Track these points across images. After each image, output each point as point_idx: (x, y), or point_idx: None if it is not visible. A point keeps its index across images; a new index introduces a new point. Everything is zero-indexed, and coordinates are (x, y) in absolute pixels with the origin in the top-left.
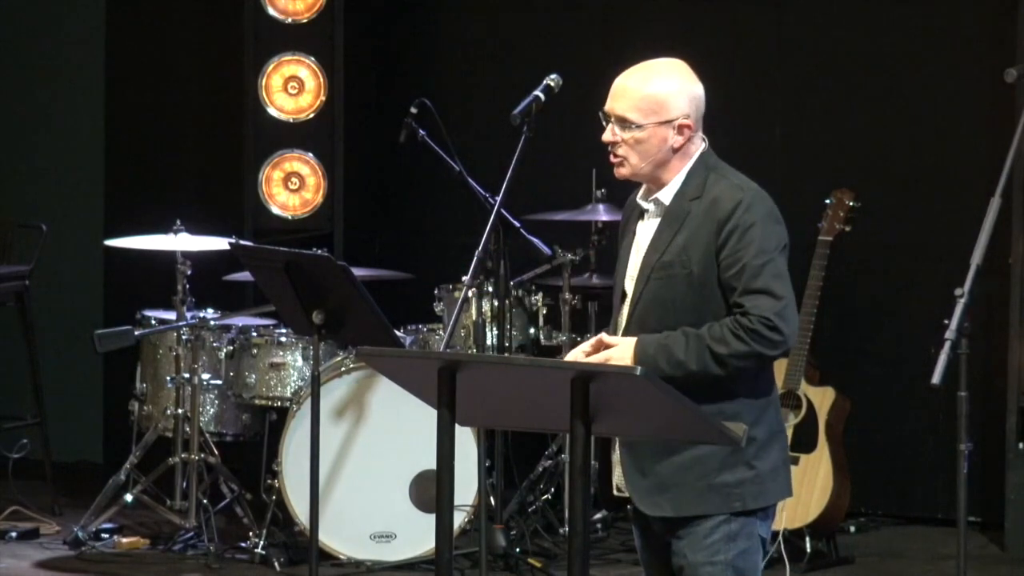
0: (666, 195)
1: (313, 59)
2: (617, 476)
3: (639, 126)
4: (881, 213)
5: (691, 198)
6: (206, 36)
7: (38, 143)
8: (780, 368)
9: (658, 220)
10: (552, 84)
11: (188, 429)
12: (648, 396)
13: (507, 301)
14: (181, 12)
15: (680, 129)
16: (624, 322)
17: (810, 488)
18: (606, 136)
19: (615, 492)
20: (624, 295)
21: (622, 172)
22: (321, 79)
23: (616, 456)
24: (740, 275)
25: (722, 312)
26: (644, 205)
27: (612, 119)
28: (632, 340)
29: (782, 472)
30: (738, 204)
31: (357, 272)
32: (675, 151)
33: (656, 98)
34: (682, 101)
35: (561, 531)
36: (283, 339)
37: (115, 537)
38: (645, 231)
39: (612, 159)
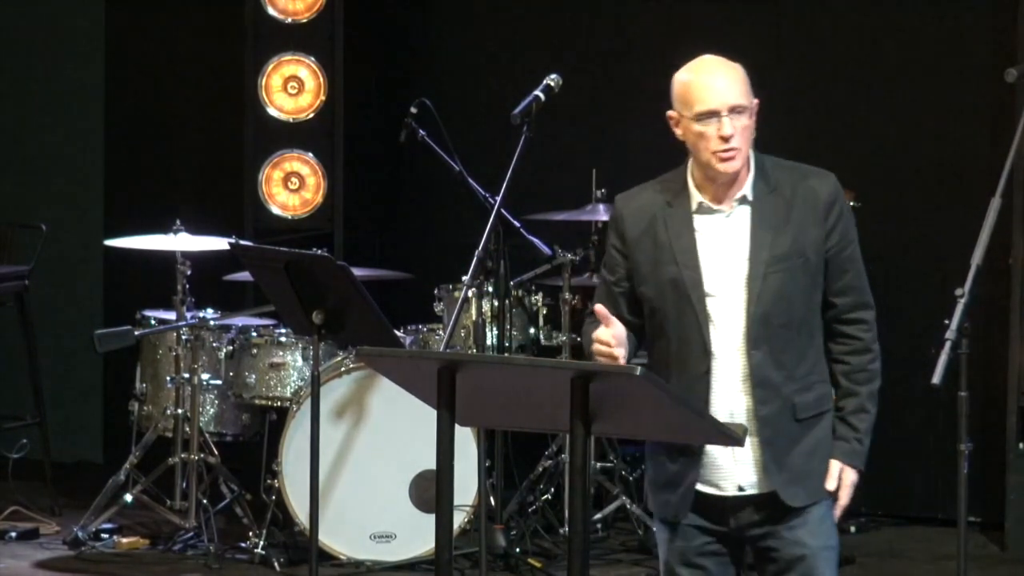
0: (747, 190)
1: (313, 59)
2: (717, 475)
3: (750, 111)
4: (881, 213)
5: (772, 189)
6: (206, 36)
7: (38, 143)
8: None
9: (745, 217)
10: (552, 84)
11: (188, 429)
12: (648, 396)
13: (507, 301)
14: (181, 12)
15: (754, 114)
16: (744, 320)
17: None
18: (727, 130)
19: (702, 489)
20: (703, 295)
21: (735, 165)
22: (321, 79)
23: (709, 459)
24: (852, 260)
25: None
26: (715, 205)
27: (724, 113)
28: (839, 464)
29: None
30: (834, 187)
31: (357, 272)
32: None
33: (748, 83)
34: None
35: (561, 531)
36: (283, 339)
37: (115, 537)
38: (725, 229)
39: (725, 155)
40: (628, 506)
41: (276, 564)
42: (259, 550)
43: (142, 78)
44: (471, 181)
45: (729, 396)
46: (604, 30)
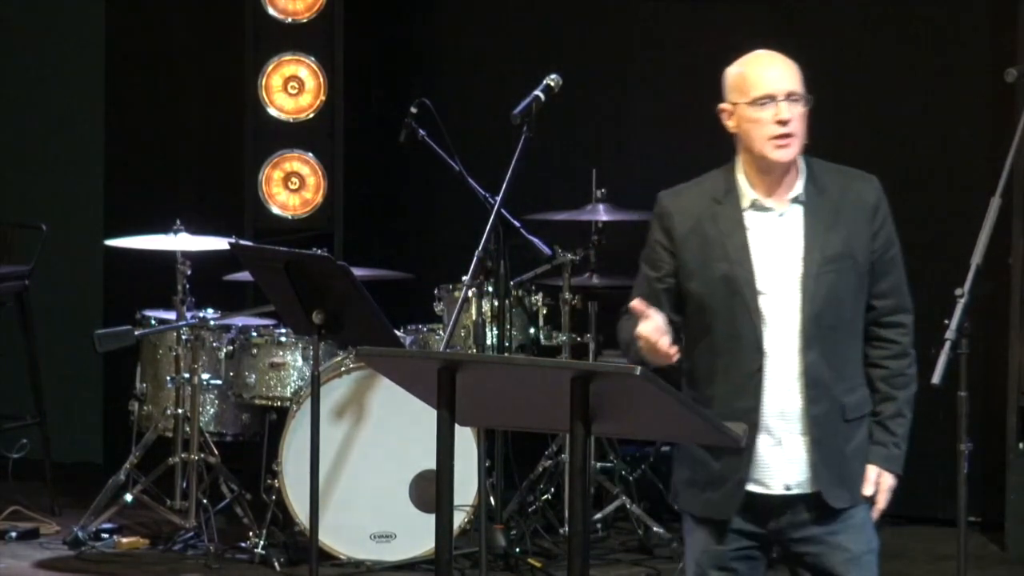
0: (799, 190)
1: (313, 59)
2: (764, 474)
3: (806, 100)
4: None
5: (821, 191)
6: (206, 36)
7: (38, 143)
8: None
9: (797, 216)
10: (552, 84)
11: (188, 429)
12: (648, 396)
13: (507, 301)
14: (181, 12)
15: (808, 105)
16: (799, 319)
17: None
18: (784, 114)
19: (749, 488)
20: (755, 292)
21: (791, 153)
22: (321, 79)
23: (757, 457)
24: (894, 263)
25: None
26: (767, 203)
27: (781, 97)
28: (877, 469)
29: None
30: (879, 189)
31: (357, 272)
32: None
33: (802, 76)
34: None
35: (561, 531)
36: (283, 339)
37: (115, 537)
38: (777, 228)
39: (783, 140)
40: (628, 506)
41: (276, 564)
42: (259, 550)
43: (142, 78)
44: (471, 181)
45: (781, 394)
46: (604, 30)
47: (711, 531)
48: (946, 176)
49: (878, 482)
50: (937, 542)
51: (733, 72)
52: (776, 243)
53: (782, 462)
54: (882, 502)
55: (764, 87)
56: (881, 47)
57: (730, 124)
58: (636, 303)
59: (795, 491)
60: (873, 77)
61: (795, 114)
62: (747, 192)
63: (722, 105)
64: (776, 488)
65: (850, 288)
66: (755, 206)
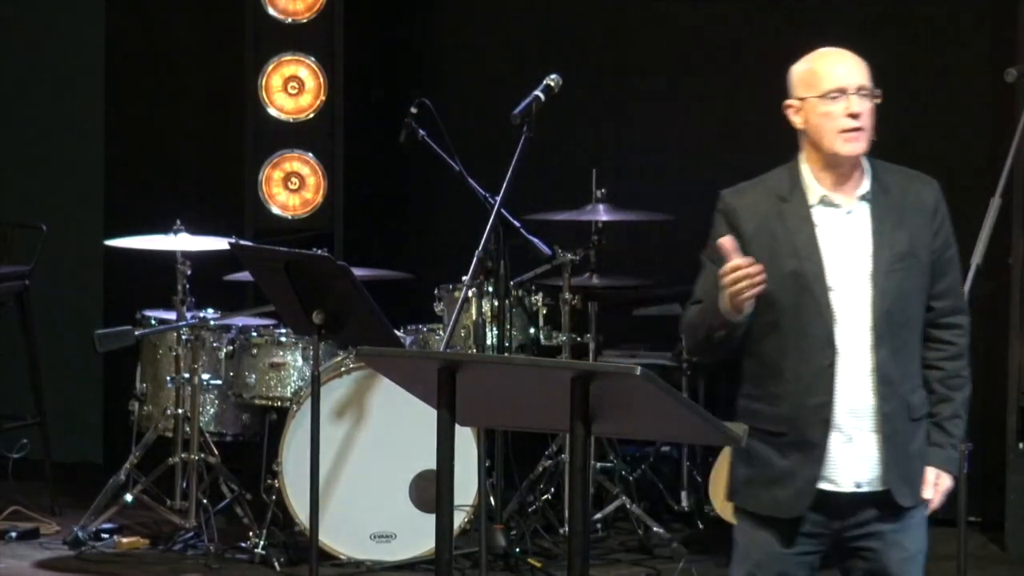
0: (865, 188)
1: (313, 59)
2: (834, 472)
3: (874, 97)
4: None
5: (884, 191)
6: (206, 36)
7: (38, 143)
8: None
9: (865, 214)
10: (552, 84)
11: (188, 429)
12: (648, 396)
13: (507, 301)
14: (181, 12)
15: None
16: (870, 316)
17: None
18: (856, 107)
19: (823, 486)
20: (826, 288)
21: (860, 147)
22: (321, 79)
23: (828, 455)
24: (952, 263)
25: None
26: (835, 199)
27: (851, 91)
28: (935, 470)
29: None
30: (938, 190)
31: (357, 272)
32: None
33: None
34: None
35: (561, 531)
36: (283, 339)
37: (115, 537)
38: (846, 225)
39: (853, 135)
40: (628, 506)
41: (276, 564)
42: (259, 550)
43: (142, 78)
44: (471, 181)
45: (853, 391)
46: (604, 30)
47: (774, 532)
48: (946, 176)
49: (936, 483)
50: (937, 542)
51: (801, 68)
52: (845, 239)
53: (853, 460)
54: (937, 503)
55: (835, 81)
56: (881, 47)
57: (796, 120)
58: (726, 239)
59: (865, 489)
60: (873, 77)
61: (865, 108)
62: (814, 188)
63: (788, 101)
64: (846, 486)
65: (915, 287)
66: (823, 202)
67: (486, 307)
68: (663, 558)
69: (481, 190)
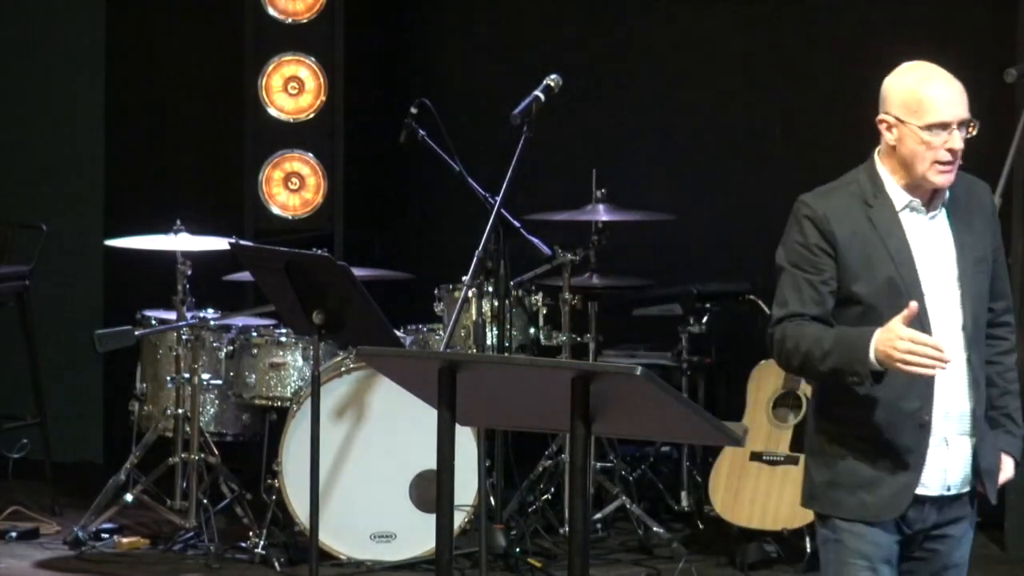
0: (945, 195)
1: (313, 59)
2: (927, 475)
3: (975, 123)
4: None
5: (955, 194)
6: (206, 36)
7: (38, 143)
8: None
9: (943, 219)
10: (552, 84)
11: (188, 429)
12: (648, 396)
13: (507, 301)
14: (181, 12)
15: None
16: (960, 320)
17: None
18: (957, 144)
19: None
20: (921, 294)
21: (951, 179)
22: (321, 79)
23: (926, 460)
24: (1003, 264)
25: None
26: (919, 206)
27: (955, 126)
28: (1010, 458)
29: None
30: (991, 193)
31: (357, 272)
32: None
33: None
34: None
35: (561, 531)
36: (283, 339)
37: (115, 537)
38: (930, 230)
39: (948, 167)
40: (628, 506)
41: (276, 564)
42: (259, 550)
43: (142, 78)
44: (471, 181)
45: (948, 395)
46: (604, 30)
47: (858, 537)
48: None
49: (1003, 468)
50: None
51: (903, 88)
52: (931, 245)
53: (947, 463)
54: (1000, 483)
55: (941, 115)
56: (880, 47)
57: (889, 136)
58: (914, 305)
59: (952, 492)
60: (872, 77)
61: (963, 143)
62: (900, 194)
63: (883, 117)
64: (936, 489)
65: (987, 289)
66: (909, 207)
67: (486, 307)
68: (663, 558)
69: (481, 190)
